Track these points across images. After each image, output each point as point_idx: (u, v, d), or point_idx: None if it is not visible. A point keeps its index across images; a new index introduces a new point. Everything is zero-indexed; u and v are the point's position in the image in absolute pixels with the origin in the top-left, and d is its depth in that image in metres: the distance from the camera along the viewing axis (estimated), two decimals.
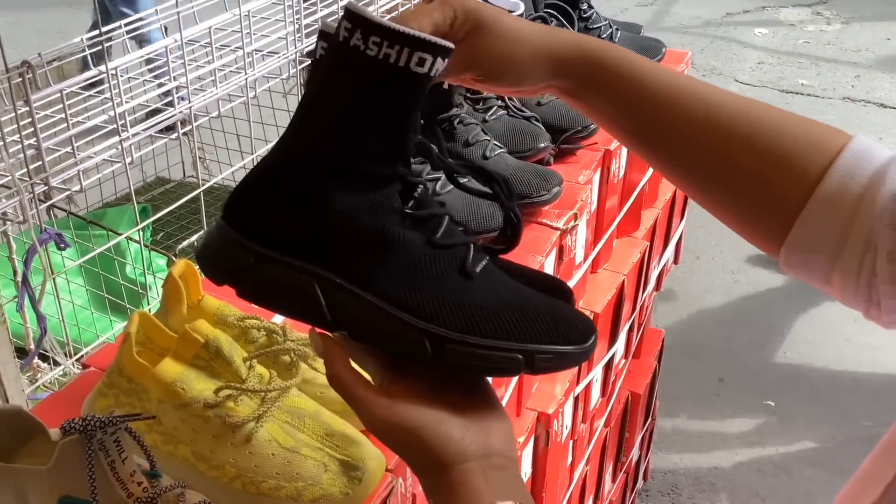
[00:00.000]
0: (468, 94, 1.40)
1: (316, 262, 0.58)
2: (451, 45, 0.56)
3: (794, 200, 0.62)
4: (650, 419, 2.22)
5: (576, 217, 1.30)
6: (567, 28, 1.61)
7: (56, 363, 1.67)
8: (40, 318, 0.99)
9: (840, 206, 0.60)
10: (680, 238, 2.03)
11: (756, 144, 0.63)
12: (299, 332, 0.90)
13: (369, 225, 0.58)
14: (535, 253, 1.21)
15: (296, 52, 1.50)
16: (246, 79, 1.35)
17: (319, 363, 0.89)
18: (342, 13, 0.56)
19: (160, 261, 2.02)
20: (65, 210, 2.21)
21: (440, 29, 0.61)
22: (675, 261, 2.06)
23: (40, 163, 1.07)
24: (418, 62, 0.55)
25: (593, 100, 0.67)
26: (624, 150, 1.55)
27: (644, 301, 1.83)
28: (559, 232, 1.27)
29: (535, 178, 1.27)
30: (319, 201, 0.58)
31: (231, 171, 1.82)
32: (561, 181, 1.29)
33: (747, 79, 4.80)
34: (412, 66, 0.55)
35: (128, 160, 1.29)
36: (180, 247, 1.62)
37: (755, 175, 0.64)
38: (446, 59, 0.56)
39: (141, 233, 1.53)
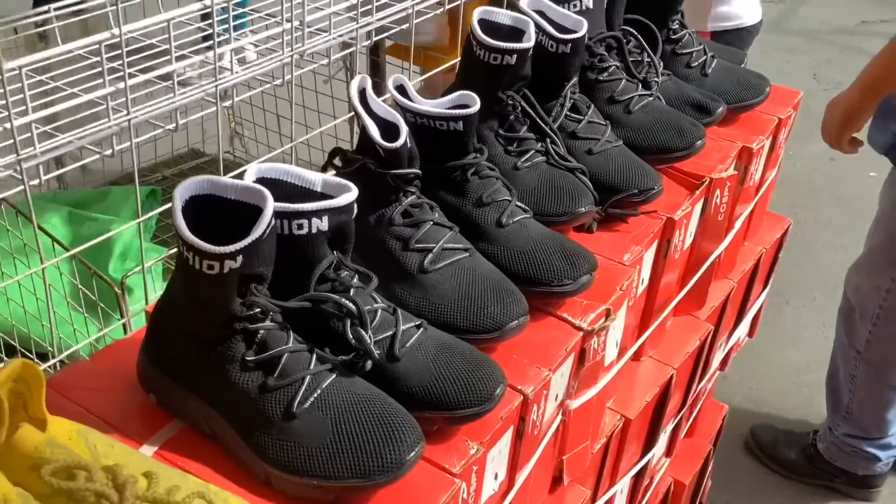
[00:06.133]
0: (501, 131, 1.10)
1: (198, 392, 0.79)
2: (233, 250, 0.71)
3: None
4: None
5: (607, 315, 1.00)
6: (647, 51, 1.29)
7: None
8: None
9: None
10: (759, 311, 1.69)
11: None
12: (143, 488, 0.64)
13: (221, 375, 0.76)
14: (540, 363, 0.92)
15: (351, 31, 1.24)
16: (292, 55, 1.11)
17: None
18: None
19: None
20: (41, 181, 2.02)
21: None
22: (751, 334, 1.73)
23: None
24: (209, 267, 0.72)
25: None
26: (694, 218, 1.24)
27: (702, 387, 1.52)
28: (580, 334, 0.97)
29: (560, 261, 0.97)
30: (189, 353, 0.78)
31: (269, 155, 1.58)
32: (594, 268, 0.99)
33: None
34: (205, 270, 0.72)
35: (170, 126, 1.06)
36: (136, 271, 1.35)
37: None
38: (238, 258, 0.72)
39: (142, 225, 1.28)
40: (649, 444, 1.32)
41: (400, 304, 0.91)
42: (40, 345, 1.42)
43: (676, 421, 1.42)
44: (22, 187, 0.93)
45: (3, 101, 0.85)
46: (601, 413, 1.14)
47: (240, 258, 0.71)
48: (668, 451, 1.48)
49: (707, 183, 1.23)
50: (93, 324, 1.38)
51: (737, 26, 2.15)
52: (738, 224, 1.37)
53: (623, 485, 1.28)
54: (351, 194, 0.79)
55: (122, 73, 0.96)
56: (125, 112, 0.96)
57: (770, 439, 2.26)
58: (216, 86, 1.04)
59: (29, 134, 0.90)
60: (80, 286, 1.34)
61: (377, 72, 2.35)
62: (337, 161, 0.98)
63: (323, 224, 0.78)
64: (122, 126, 0.98)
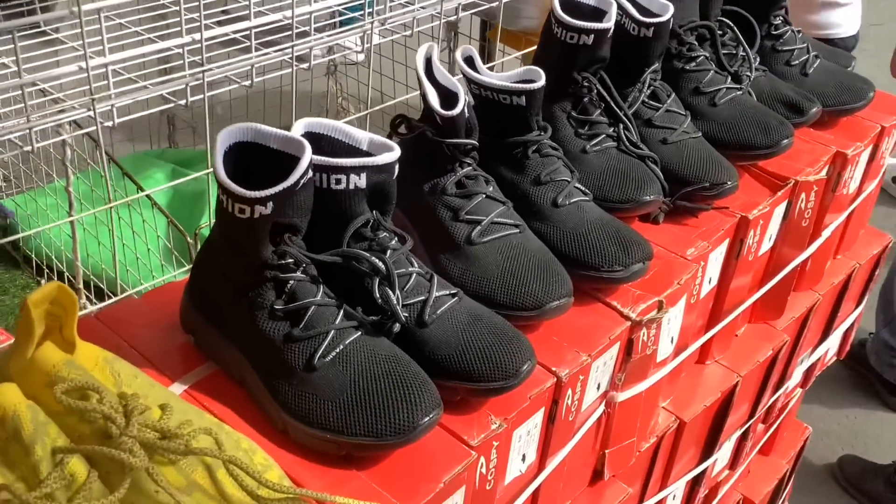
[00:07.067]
0: (573, 112, 1.08)
1: (230, 336, 0.80)
2: (263, 195, 0.71)
3: None
4: None
5: (659, 307, 0.97)
6: (742, 45, 1.24)
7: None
8: None
9: None
10: (851, 327, 1.60)
11: None
12: (155, 418, 0.66)
13: (250, 322, 0.77)
14: (580, 348, 0.90)
15: (434, 4, 1.25)
16: (372, 23, 1.12)
17: (171, 470, 0.65)
18: None
19: None
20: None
21: None
22: (840, 354, 1.64)
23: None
24: (240, 211, 0.73)
25: None
26: (775, 221, 1.18)
27: (779, 402, 1.45)
28: (628, 324, 0.94)
29: (612, 246, 0.95)
30: (225, 297, 0.80)
31: (346, 119, 1.61)
32: (649, 257, 0.96)
33: None
34: (236, 213, 0.73)
35: (246, 83, 1.11)
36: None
37: None
38: (269, 204, 0.72)
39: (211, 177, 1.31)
40: (708, 451, 1.27)
41: (443, 273, 0.90)
42: (124, 289, 1.49)
43: (742, 432, 1.36)
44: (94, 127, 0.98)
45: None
46: (652, 411, 1.10)
47: (270, 205, 0.72)
48: (733, 464, 1.42)
49: (791, 185, 1.17)
50: (169, 271, 1.44)
51: (826, 36, 2.02)
52: (826, 233, 1.30)
53: (675, 489, 1.24)
54: (391, 154, 0.79)
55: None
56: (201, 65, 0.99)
57: (857, 471, 2.15)
58: (293, 47, 1.06)
59: (105, 81, 0.94)
60: (158, 234, 1.39)
61: (485, 55, 2.35)
62: (403, 129, 0.99)
63: (361, 181, 0.78)
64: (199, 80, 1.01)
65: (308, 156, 0.74)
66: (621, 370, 0.98)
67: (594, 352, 0.90)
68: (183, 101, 1.02)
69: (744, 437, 1.38)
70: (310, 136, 0.81)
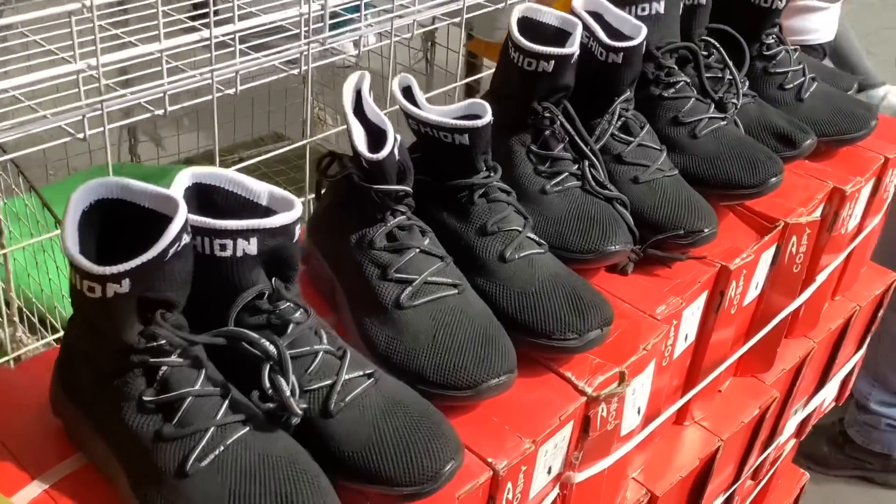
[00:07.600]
0: (533, 147, 0.95)
1: (98, 428, 0.67)
2: (114, 271, 0.59)
3: None
4: None
5: (620, 379, 0.84)
6: (729, 68, 1.10)
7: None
8: None
9: None
10: (851, 373, 1.47)
11: None
12: None
13: (117, 414, 0.64)
14: (523, 432, 0.77)
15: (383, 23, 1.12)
16: (309, 43, 0.99)
17: None
18: None
19: None
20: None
21: None
22: (839, 400, 1.51)
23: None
24: (89, 289, 0.60)
25: None
26: (762, 268, 1.05)
27: (768, 455, 1.32)
28: (583, 400, 0.81)
29: (565, 309, 0.81)
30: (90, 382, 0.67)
31: (289, 147, 1.49)
32: (608, 322, 0.83)
33: None
34: (85, 292, 0.61)
35: (230, 91, 1.00)
36: None
37: None
38: (125, 282, 0.59)
39: None
40: None
41: (368, 341, 0.78)
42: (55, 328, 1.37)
43: (728, 495, 1.23)
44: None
45: None
46: (618, 487, 0.98)
47: (126, 282, 0.59)
48: None
49: (780, 227, 1.04)
50: None
51: (801, 42, 1.86)
52: (821, 277, 1.17)
53: None
54: (288, 214, 0.66)
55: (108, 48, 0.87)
56: (99, 95, 0.87)
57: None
58: (212, 71, 0.94)
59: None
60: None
61: (473, 71, 2.22)
62: (335, 167, 0.87)
63: (251, 247, 0.66)
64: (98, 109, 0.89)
65: (180, 219, 0.61)
66: (578, 448, 0.86)
67: (540, 436, 0.77)
68: (81, 135, 0.89)
69: (729, 500, 1.25)
70: (198, 188, 0.69)
